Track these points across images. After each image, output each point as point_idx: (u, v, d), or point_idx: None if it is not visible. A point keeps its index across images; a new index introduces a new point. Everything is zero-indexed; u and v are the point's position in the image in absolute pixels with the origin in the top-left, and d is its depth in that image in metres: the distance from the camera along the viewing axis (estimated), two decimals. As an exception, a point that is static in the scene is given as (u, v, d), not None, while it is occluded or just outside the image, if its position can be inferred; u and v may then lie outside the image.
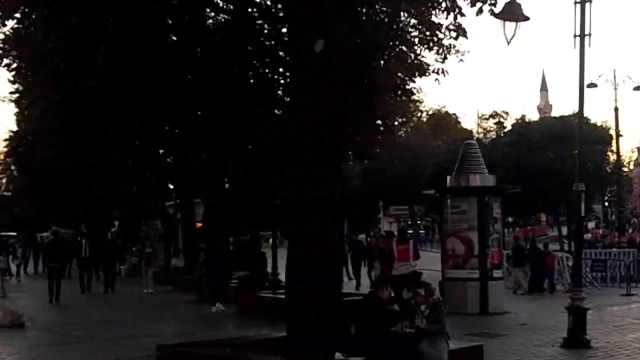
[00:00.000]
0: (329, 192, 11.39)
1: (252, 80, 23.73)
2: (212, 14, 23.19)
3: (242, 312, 20.75)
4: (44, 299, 25.72)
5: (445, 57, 22.50)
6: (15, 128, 52.52)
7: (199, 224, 35.35)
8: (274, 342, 12.06)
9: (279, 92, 24.52)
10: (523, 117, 65.46)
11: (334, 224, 11.56)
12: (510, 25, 11.86)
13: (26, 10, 22.31)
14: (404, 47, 24.32)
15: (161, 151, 35.00)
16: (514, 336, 16.12)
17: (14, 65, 24.85)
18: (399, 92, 26.06)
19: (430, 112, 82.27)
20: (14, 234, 63.20)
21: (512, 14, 11.86)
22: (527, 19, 11.77)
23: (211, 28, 23.07)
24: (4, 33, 24.44)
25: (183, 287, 27.41)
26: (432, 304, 10.57)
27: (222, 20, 23.33)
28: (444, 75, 22.15)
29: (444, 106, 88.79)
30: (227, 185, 30.22)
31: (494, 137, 76.23)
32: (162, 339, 15.74)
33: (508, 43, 11.81)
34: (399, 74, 25.21)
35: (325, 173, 11.35)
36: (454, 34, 20.24)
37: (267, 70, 24.16)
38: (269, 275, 26.30)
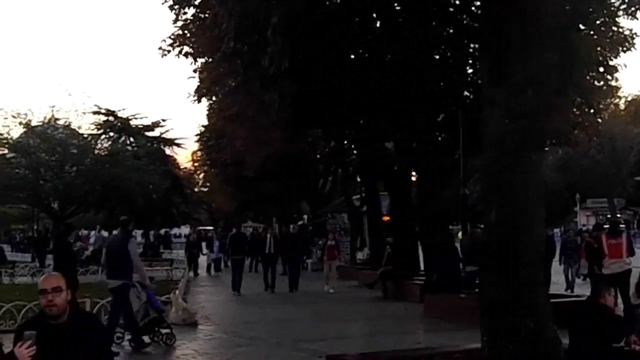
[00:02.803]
0: (532, 182, 9.30)
1: (436, 56, 22.00)
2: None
3: (428, 312, 18.93)
4: (226, 294, 25.39)
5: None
6: (206, 122, 53.30)
7: (386, 218, 33.98)
8: (466, 354, 10.15)
9: (469, 71, 22.67)
10: None
11: (539, 216, 9.48)
12: None
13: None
14: (606, 18, 21.71)
15: (345, 143, 34.12)
16: None
17: (192, 52, 24.64)
18: (601, 69, 23.44)
19: (629, 99, 76.97)
20: (211, 228, 64.76)
21: None
22: None
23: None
24: (183, 20, 24.31)
25: (368, 283, 25.83)
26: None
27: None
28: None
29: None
30: (414, 178, 28.69)
31: None
32: (341, 343, 14.41)
33: None
34: (602, 48, 22.62)
35: (528, 160, 9.25)
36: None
37: (452, 45, 22.21)
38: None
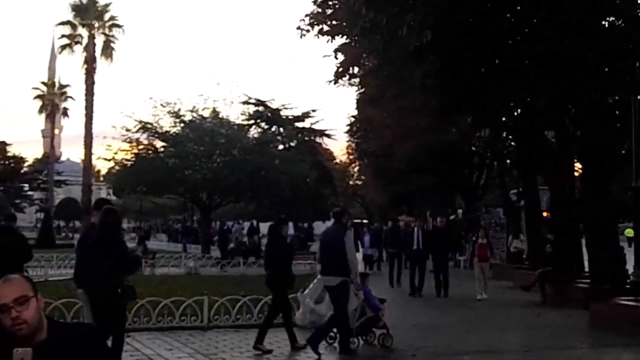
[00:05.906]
0: None
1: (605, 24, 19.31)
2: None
3: (595, 321, 16.45)
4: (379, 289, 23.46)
5: None
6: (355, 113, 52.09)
7: (545, 213, 31.43)
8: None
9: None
10: None
11: None
12: None
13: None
14: None
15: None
16: None
17: (330, 30, 23.12)
18: None
19: None
20: (366, 221, 63.76)
21: None
22: None
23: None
24: (323, -2, 22.91)
25: (524, 286, 23.25)
26: None
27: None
28: None
29: None
30: (577, 170, 26.08)
31: None
32: (488, 358, 12.41)
33: None
34: None
35: None
36: None
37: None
38: (629, 275, 21.48)
